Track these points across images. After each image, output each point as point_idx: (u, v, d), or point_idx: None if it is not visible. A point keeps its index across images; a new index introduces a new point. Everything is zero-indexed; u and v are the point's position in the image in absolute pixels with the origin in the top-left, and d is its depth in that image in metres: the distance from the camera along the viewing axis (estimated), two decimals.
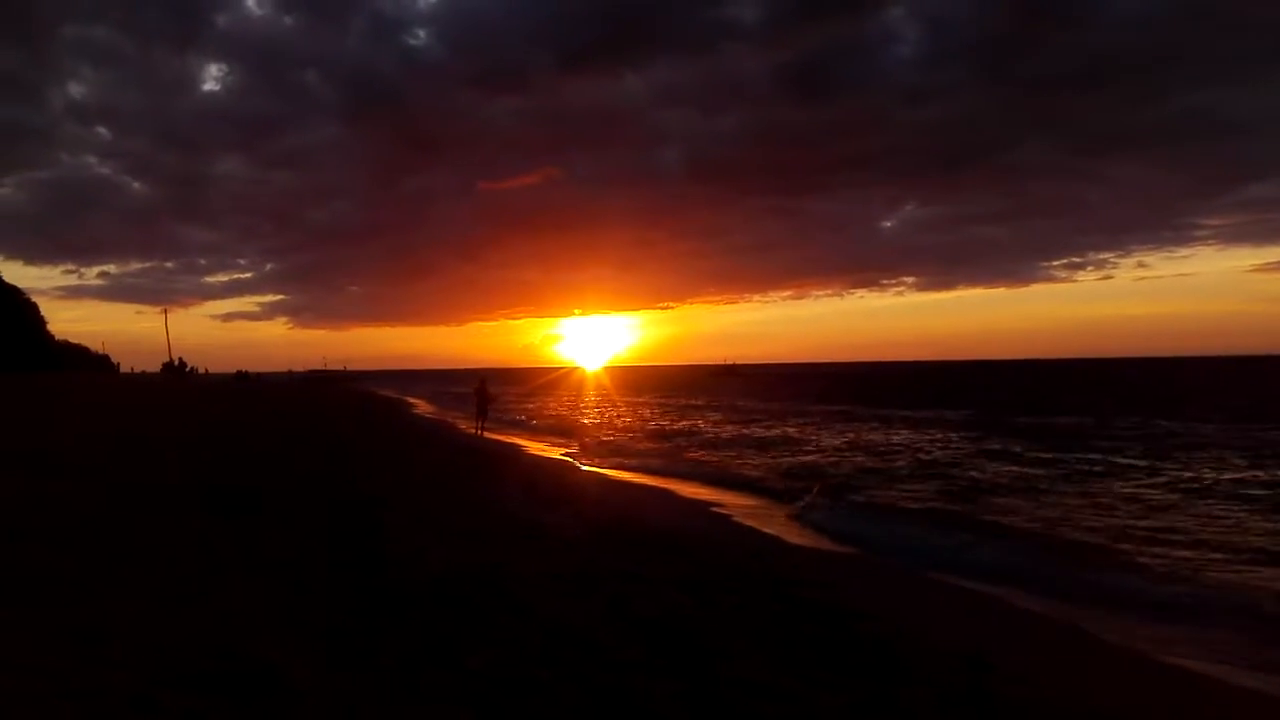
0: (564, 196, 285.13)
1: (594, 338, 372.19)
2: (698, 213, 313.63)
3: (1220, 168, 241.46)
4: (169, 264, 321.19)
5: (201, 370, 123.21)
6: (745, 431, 32.39)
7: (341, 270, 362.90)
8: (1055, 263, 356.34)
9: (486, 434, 28.30)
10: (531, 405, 56.08)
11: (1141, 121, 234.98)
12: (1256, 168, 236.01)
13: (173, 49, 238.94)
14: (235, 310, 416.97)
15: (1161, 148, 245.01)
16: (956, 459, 22.19)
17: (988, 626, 7.59)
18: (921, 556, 10.82)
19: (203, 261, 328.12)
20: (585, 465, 21.85)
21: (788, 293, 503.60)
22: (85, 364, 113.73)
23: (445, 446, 23.10)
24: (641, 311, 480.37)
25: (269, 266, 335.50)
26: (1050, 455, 22.13)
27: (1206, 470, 19.06)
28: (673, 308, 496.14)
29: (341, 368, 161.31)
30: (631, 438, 31.58)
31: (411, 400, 63.82)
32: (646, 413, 48.35)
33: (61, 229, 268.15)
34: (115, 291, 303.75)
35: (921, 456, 23.11)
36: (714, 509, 14.28)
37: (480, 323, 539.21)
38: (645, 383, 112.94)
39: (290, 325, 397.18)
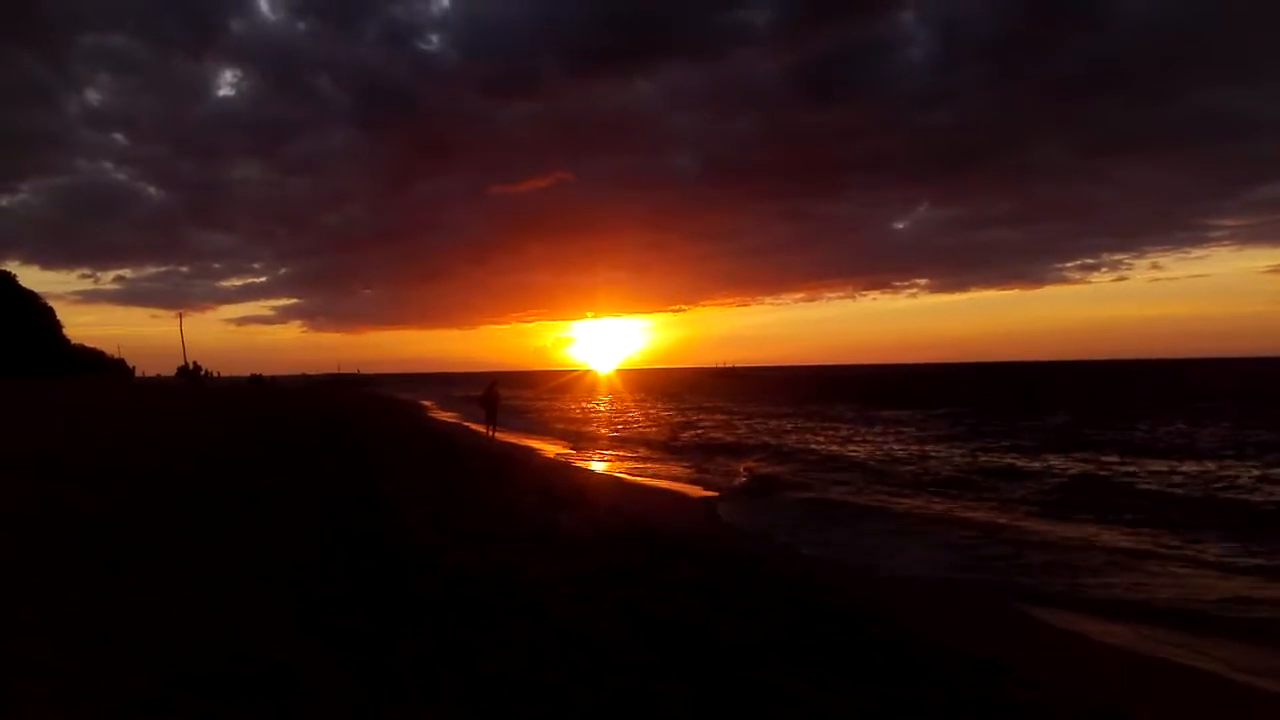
0: (576, 200, 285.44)
1: (606, 340, 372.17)
2: (709, 216, 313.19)
3: (1235, 168, 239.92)
4: (184, 268, 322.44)
5: (215, 374, 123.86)
6: (739, 432, 32.45)
7: (355, 274, 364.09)
8: (1069, 264, 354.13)
9: (497, 436, 28.40)
10: (543, 407, 56.17)
11: (1155, 122, 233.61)
12: (1271, 168, 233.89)
13: (188, 56, 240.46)
14: (250, 314, 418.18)
15: (1175, 148, 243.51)
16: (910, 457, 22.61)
17: (999, 630, 7.57)
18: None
19: (217, 266, 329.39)
20: (595, 467, 21.87)
21: (800, 295, 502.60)
22: (101, 368, 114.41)
23: (457, 449, 23.14)
24: (653, 314, 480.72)
25: (283, 271, 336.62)
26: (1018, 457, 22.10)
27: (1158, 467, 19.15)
28: (685, 310, 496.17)
29: (355, 371, 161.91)
30: (638, 438, 31.67)
31: (424, 403, 64.01)
32: (654, 413, 48.40)
33: (78, 234, 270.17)
34: (131, 296, 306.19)
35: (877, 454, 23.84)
36: (721, 509, 14.28)
37: (492, 326, 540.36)
38: (656, 385, 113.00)
39: (304, 329, 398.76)
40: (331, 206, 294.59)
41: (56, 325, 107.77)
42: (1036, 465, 20.79)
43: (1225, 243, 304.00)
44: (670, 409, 54.05)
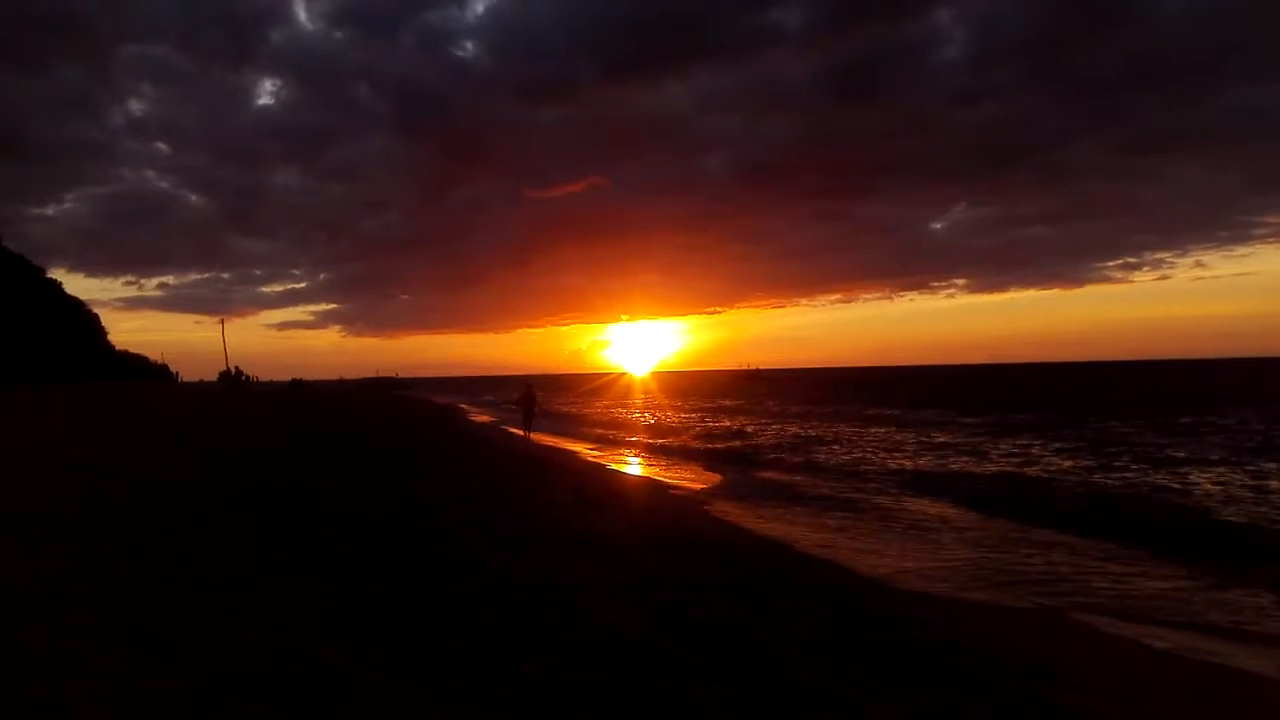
0: (610, 204, 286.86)
1: (641, 343, 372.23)
2: (744, 218, 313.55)
3: (1277, 164, 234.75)
4: (226, 275, 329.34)
5: (255, 378, 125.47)
6: (775, 430, 32.26)
7: (392, 279, 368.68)
8: (1110, 263, 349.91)
9: (533, 437, 28.73)
10: (579, 411, 56.31)
11: (1196, 119, 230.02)
12: None
13: (229, 65, 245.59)
14: (290, 319, 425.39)
15: (1217, 145, 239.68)
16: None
17: (1044, 635, 7.45)
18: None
19: (258, 272, 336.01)
20: (631, 470, 21.87)
21: (836, 296, 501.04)
22: (145, 373, 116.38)
23: (496, 452, 23.27)
24: (689, 316, 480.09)
25: (322, 276, 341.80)
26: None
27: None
28: (720, 312, 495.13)
29: (393, 375, 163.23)
30: (673, 441, 31.63)
31: (461, 406, 64.43)
32: (688, 417, 48.29)
33: (122, 242, 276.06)
34: (174, 302, 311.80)
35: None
36: (754, 513, 14.21)
37: (528, 329, 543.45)
38: (691, 388, 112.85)
39: (343, 334, 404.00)
40: (369, 212, 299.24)
41: (101, 332, 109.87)
42: (1070, 476, 20.46)
43: (1270, 240, 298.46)
44: (703, 412, 53.95)
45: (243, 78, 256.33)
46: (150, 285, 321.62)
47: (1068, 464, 21.42)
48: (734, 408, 57.80)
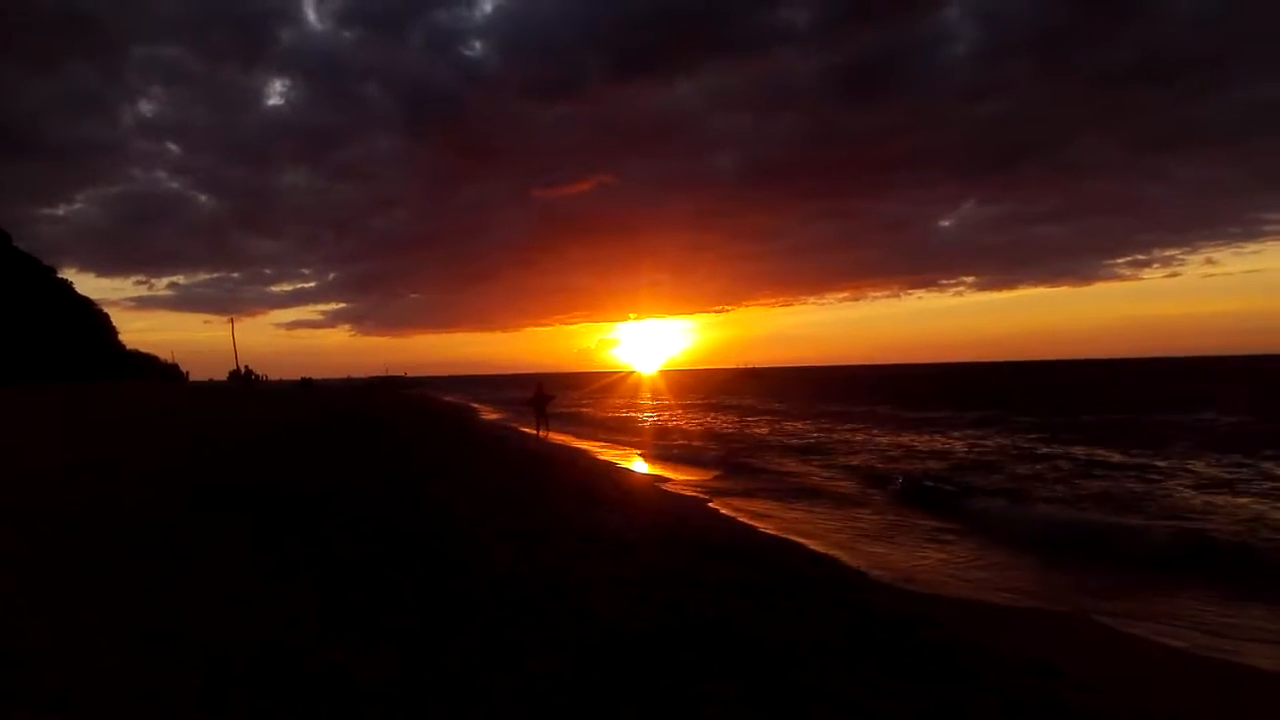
0: (618, 202, 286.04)
1: (649, 342, 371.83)
2: (752, 216, 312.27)
3: None
4: (235, 274, 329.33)
5: (265, 377, 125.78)
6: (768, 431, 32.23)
7: (401, 278, 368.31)
8: (1119, 261, 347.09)
9: (545, 435, 28.80)
10: (586, 409, 56.31)
11: (1205, 116, 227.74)
12: None
13: (239, 66, 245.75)
14: (299, 319, 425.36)
15: (1227, 142, 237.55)
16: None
17: (1055, 634, 7.42)
18: None
19: (268, 271, 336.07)
20: (638, 468, 21.86)
21: (844, 294, 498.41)
22: (155, 373, 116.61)
23: (503, 449, 23.30)
24: (697, 315, 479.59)
25: (332, 275, 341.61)
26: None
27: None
28: (728, 311, 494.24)
29: (402, 374, 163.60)
30: (679, 440, 31.64)
31: (469, 404, 64.53)
32: (694, 415, 48.30)
33: (133, 242, 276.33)
34: (184, 301, 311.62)
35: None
36: (766, 513, 14.18)
37: (536, 328, 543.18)
38: (698, 386, 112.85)
39: (352, 333, 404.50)
40: (378, 212, 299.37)
41: (112, 331, 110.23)
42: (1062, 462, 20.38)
43: None
44: (710, 410, 53.95)
45: (252, 78, 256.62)
46: (161, 285, 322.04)
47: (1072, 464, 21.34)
48: (741, 406, 57.75)
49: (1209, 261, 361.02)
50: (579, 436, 32.69)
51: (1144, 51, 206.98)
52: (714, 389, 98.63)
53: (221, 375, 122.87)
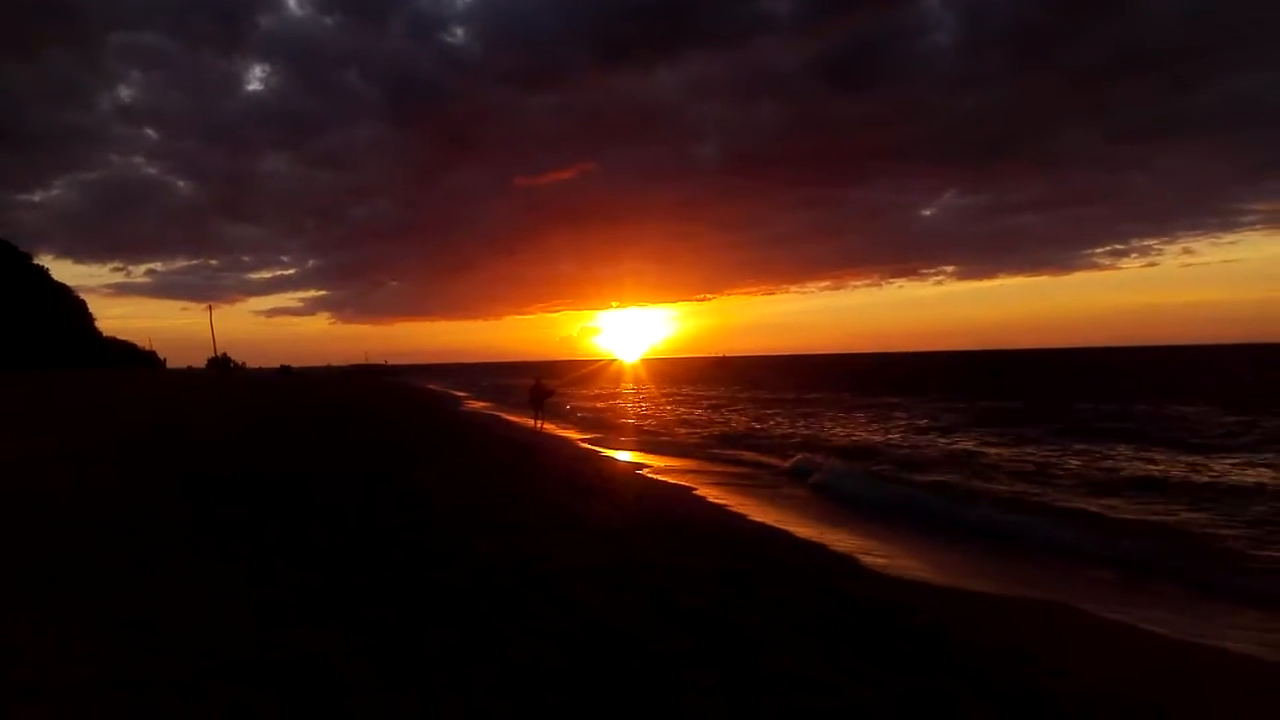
0: (600, 190, 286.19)
1: (631, 330, 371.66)
2: (734, 204, 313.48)
3: (1266, 152, 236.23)
4: (214, 261, 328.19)
5: (243, 365, 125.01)
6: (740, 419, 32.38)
7: (382, 266, 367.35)
8: (1098, 250, 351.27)
9: (542, 427, 28.56)
10: (568, 398, 56.28)
11: (1185, 107, 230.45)
12: None
13: (218, 52, 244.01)
14: (278, 306, 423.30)
15: (1206, 133, 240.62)
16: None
17: (1032, 620, 7.49)
18: None
19: (247, 259, 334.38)
20: (620, 457, 21.87)
21: (826, 283, 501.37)
22: (132, 360, 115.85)
23: (485, 439, 23.23)
24: (679, 303, 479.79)
25: (311, 263, 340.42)
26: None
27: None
28: (710, 299, 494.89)
29: (382, 362, 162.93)
30: (660, 428, 31.77)
31: (450, 393, 64.33)
32: (675, 404, 48.42)
33: (110, 228, 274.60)
34: (162, 288, 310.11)
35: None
36: (747, 501, 14.24)
37: (517, 316, 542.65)
38: (680, 374, 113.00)
39: (332, 320, 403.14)
40: (359, 199, 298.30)
41: (89, 318, 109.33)
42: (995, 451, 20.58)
43: (1257, 227, 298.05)
44: (691, 399, 54.05)
45: (232, 64, 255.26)
46: (138, 271, 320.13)
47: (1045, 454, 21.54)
48: (722, 395, 57.88)
49: (1187, 251, 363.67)
50: (559, 425, 32.70)
51: (1124, 43, 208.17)
52: (695, 377, 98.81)
53: (200, 362, 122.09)
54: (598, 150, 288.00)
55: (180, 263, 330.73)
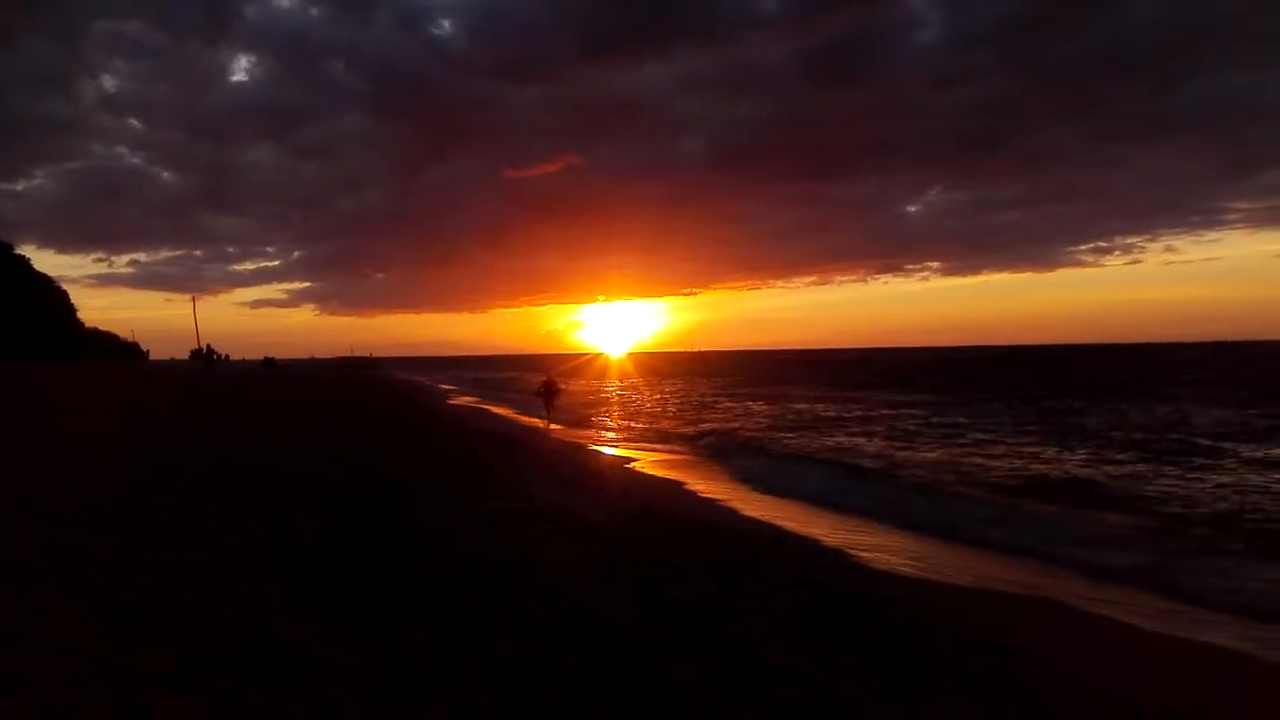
0: (587, 184, 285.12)
1: (617, 324, 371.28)
2: (721, 199, 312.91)
3: (1248, 151, 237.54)
4: (198, 252, 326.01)
5: (227, 357, 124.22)
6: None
7: (367, 258, 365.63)
8: (1082, 247, 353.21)
9: (553, 427, 28.12)
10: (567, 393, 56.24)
11: (1168, 105, 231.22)
12: None
13: (203, 42, 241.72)
14: (263, 298, 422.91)
15: (1189, 132, 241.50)
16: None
17: (1014, 612, 7.56)
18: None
19: (231, 250, 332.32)
20: (606, 451, 21.90)
21: (812, 278, 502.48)
22: (114, 351, 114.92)
23: (470, 432, 23.22)
24: (665, 298, 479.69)
25: (296, 254, 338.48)
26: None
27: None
28: (696, 294, 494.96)
29: (367, 355, 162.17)
30: (647, 422, 31.86)
31: (436, 386, 64.16)
32: (661, 397, 48.54)
33: (93, 218, 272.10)
34: (145, 279, 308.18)
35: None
36: (732, 495, 14.30)
37: (503, 309, 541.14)
38: (667, 369, 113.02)
39: (317, 312, 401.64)
40: (344, 191, 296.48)
41: (71, 309, 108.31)
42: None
43: (1239, 225, 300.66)
44: (677, 393, 54.13)
45: (217, 54, 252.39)
46: (121, 262, 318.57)
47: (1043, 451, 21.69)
48: (710, 389, 57.99)
49: (1169, 249, 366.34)
50: (545, 419, 32.66)
51: (1109, 41, 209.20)
52: (681, 371, 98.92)
53: (183, 354, 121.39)
54: (584, 143, 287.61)
55: (164, 253, 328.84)
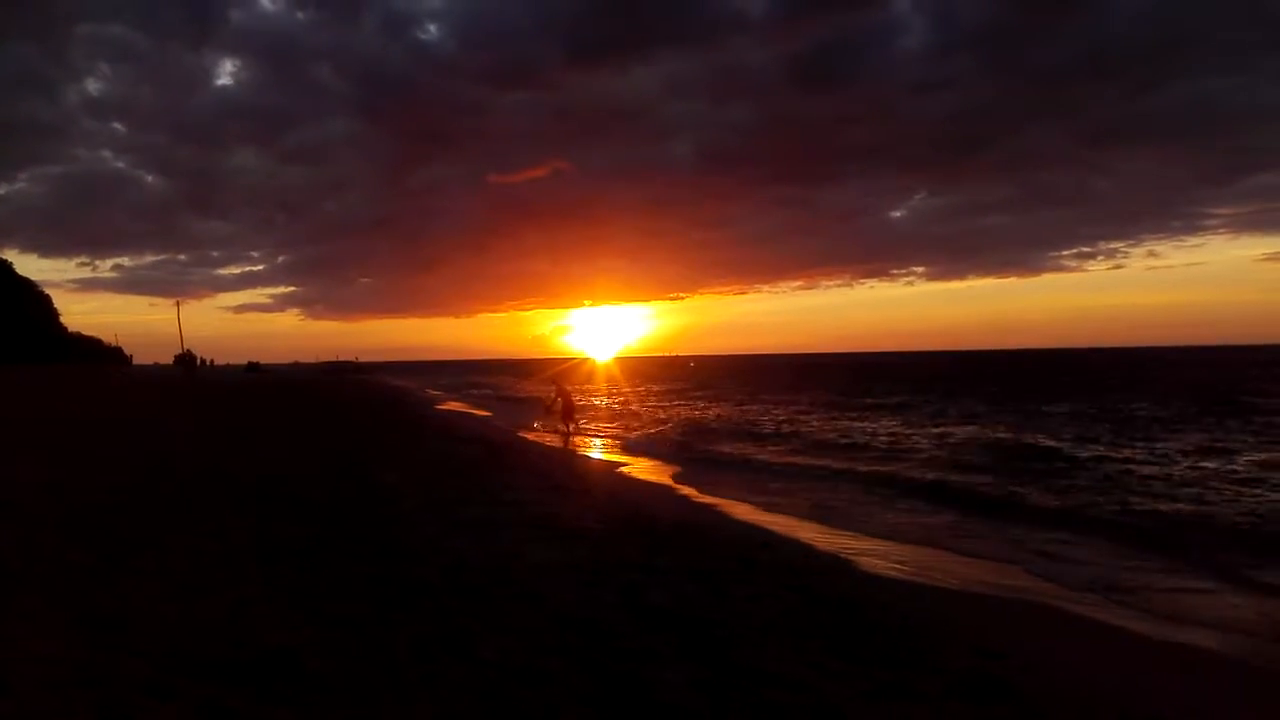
0: (573, 189, 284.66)
1: (603, 329, 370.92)
2: (707, 204, 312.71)
3: (1230, 156, 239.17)
4: (182, 256, 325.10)
5: (211, 362, 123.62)
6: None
7: (352, 262, 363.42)
8: (1065, 252, 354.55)
9: (571, 441, 25.29)
10: (541, 396, 56.19)
11: (1151, 110, 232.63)
12: (1266, 157, 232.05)
13: (188, 45, 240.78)
14: (247, 302, 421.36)
15: (1171, 137, 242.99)
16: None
17: (1003, 616, 7.59)
18: None
19: (215, 254, 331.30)
20: (593, 456, 21.89)
21: (798, 283, 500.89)
22: (98, 356, 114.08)
23: (456, 436, 23.15)
24: (652, 302, 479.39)
25: (281, 259, 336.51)
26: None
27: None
28: (683, 298, 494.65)
29: (352, 359, 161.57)
30: (633, 426, 31.87)
31: (421, 391, 63.98)
32: (649, 401, 48.61)
33: (76, 222, 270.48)
34: (129, 284, 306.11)
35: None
36: (719, 499, 14.30)
37: (489, 314, 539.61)
38: (653, 373, 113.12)
39: (302, 317, 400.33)
40: (330, 195, 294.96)
41: (54, 313, 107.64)
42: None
43: (1220, 231, 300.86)
44: (664, 398, 54.18)
45: (202, 58, 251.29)
46: (105, 266, 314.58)
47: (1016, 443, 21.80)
48: (697, 394, 58.04)
49: (1151, 254, 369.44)
50: (532, 424, 32.64)
51: (1091, 46, 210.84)
52: (668, 376, 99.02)
53: (167, 359, 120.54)
54: (571, 148, 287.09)
55: (148, 258, 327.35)
